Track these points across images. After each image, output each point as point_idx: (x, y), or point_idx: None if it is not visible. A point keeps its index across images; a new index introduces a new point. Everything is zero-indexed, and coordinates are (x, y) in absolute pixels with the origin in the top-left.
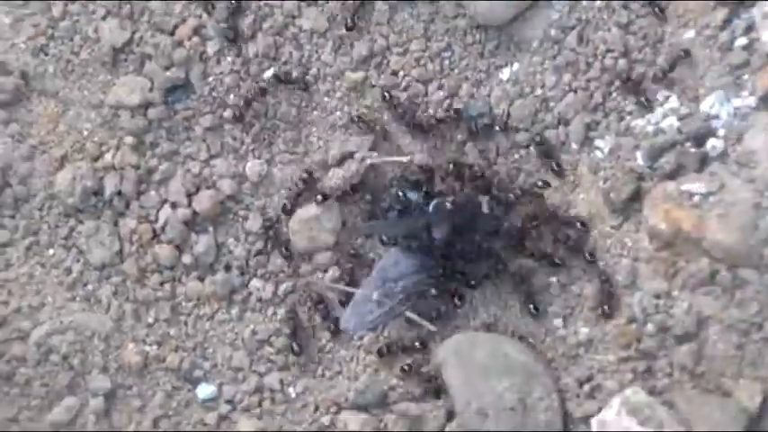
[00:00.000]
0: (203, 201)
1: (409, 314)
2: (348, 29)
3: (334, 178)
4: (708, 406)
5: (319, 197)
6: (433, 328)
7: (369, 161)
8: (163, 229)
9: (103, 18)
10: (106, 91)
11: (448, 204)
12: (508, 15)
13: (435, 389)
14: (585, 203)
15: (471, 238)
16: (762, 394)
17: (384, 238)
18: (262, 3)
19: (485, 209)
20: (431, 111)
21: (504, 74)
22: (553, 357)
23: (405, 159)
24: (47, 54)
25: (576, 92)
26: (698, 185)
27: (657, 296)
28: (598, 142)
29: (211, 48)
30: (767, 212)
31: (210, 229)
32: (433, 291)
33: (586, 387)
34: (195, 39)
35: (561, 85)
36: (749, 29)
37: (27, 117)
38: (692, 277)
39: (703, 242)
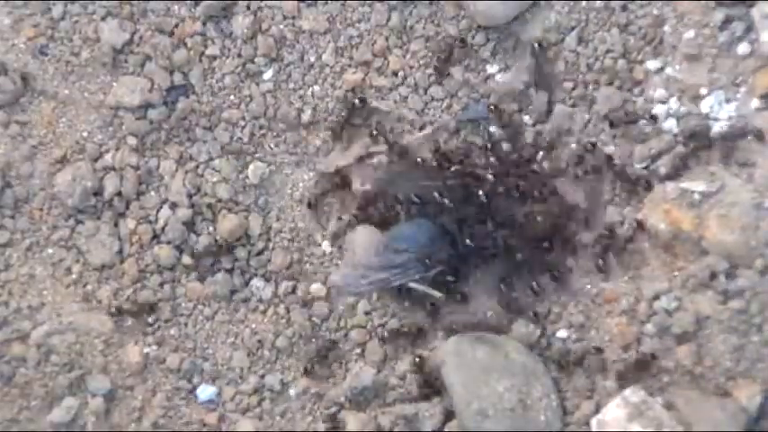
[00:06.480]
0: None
1: (414, 284)
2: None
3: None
4: (707, 406)
5: None
6: (439, 294)
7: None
8: (163, 229)
9: (103, 18)
10: (106, 91)
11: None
12: (508, 16)
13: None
14: None
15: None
16: (761, 394)
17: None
18: (262, 3)
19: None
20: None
21: (503, 75)
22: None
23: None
24: (47, 55)
25: (575, 94)
26: (698, 185)
27: (657, 296)
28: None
29: (212, 48)
30: (767, 213)
31: (211, 228)
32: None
33: (586, 387)
34: (196, 39)
35: (561, 87)
36: (748, 29)
37: (27, 118)
38: (691, 277)
39: (703, 242)
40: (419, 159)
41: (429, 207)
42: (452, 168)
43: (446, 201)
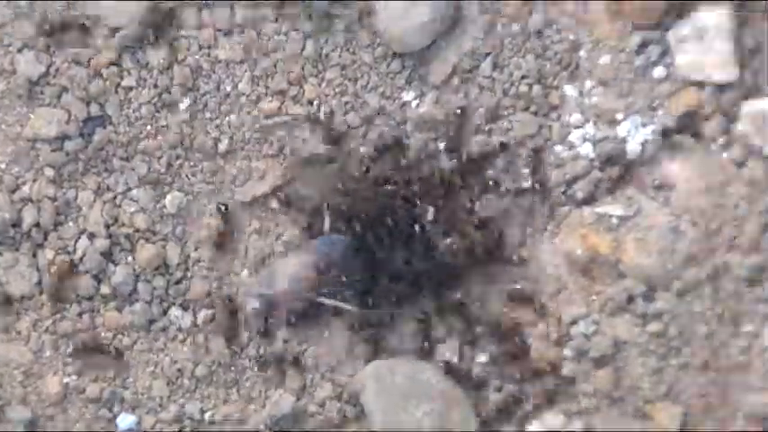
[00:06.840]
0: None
1: (323, 299)
2: None
3: None
4: (628, 429)
5: None
6: (351, 308)
7: None
8: (81, 259)
9: (20, 50)
10: (23, 123)
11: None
12: (423, 42)
13: None
14: None
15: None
16: (681, 417)
17: None
18: (178, 33)
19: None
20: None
21: (420, 101)
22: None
23: None
24: None
25: (491, 119)
26: (615, 209)
27: (575, 321)
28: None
29: (128, 79)
30: (684, 236)
31: (129, 258)
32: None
33: (505, 412)
34: (112, 69)
35: (477, 113)
36: (664, 53)
37: None
38: (609, 301)
39: (620, 266)
40: (356, 174)
41: (353, 222)
42: (386, 187)
43: (369, 217)
